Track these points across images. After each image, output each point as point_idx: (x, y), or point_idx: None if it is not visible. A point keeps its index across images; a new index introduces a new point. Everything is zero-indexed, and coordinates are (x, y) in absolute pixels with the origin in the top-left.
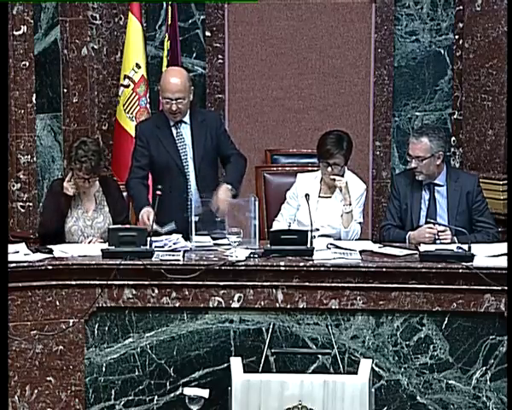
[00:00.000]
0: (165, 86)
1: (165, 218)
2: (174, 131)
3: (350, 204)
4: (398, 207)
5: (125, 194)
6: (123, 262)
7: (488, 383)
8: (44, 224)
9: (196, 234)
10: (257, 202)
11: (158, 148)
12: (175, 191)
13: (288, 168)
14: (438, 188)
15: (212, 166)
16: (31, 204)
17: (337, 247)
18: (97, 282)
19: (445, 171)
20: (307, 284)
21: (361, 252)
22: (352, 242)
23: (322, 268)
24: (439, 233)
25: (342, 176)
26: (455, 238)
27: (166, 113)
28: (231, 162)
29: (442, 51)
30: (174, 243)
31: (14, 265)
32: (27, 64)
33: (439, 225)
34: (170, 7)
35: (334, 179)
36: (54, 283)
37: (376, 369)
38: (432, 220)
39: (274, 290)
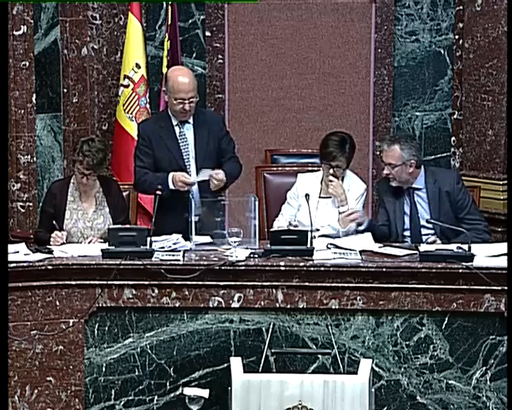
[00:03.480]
0: (177, 87)
1: (165, 218)
2: (177, 131)
3: (344, 204)
4: (384, 210)
5: (125, 194)
6: (123, 262)
7: (488, 383)
8: (40, 230)
9: (196, 234)
10: (257, 202)
11: (161, 147)
12: (177, 191)
13: (288, 168)
14: (417, 192)
15: (213, 166)
16: (31, 204)
17: (337, 247)
18: (97, 282)
19: (423, 173)
20: (307, 284)
21: (361, 252)
22: (352, 242)
23: (322, 268)
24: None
25: (340, 179)
26: (438, 240)
27: (176, 113)
28: (228, 162)
29: (442, 51)
30: (174, 243)
31: (14, 265)
32: (27, 64)
33: (438, 224)
34: (170, 7)
35: (331, 181)
36: (54, 283)
37: (376, 369)
38: (432, 220)
39: (274, 290)
